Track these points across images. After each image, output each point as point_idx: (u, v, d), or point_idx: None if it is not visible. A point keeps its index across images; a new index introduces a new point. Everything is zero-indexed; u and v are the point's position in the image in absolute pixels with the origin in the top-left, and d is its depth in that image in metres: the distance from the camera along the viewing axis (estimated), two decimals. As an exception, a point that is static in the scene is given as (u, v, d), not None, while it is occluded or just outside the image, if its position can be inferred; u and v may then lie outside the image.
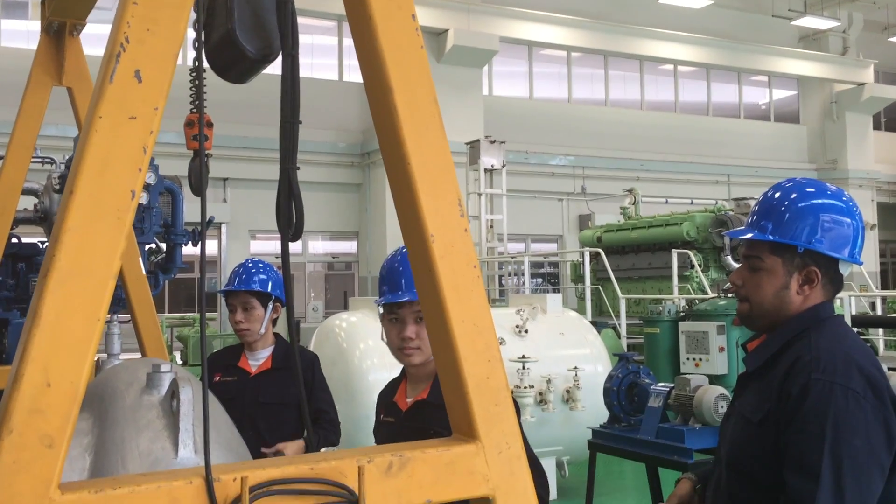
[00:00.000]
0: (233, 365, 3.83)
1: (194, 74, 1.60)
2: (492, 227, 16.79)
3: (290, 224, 1.73)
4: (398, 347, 2.49)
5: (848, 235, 2.00)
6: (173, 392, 1.74)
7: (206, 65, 1.66)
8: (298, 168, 1.78)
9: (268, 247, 18.89)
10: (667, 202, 17.62)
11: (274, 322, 3.90)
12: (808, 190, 2.05)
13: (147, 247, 5.07)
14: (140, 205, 5.79)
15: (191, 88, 1.61)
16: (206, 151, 1.86)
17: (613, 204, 18.82)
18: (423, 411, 2.43)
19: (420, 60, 1.55)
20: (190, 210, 5.42)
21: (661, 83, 23.98)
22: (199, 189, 1.71)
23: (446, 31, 18.22)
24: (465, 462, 1.51)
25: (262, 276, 3.79)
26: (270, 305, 3.81)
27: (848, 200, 2.05)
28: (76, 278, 1.25)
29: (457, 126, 17.89)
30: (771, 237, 2.01)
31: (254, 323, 3.76)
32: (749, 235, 2.06)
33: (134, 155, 1.31)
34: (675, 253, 12.94)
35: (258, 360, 3.85)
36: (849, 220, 2.01)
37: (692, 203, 17.43)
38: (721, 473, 2.05)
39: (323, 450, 2.23)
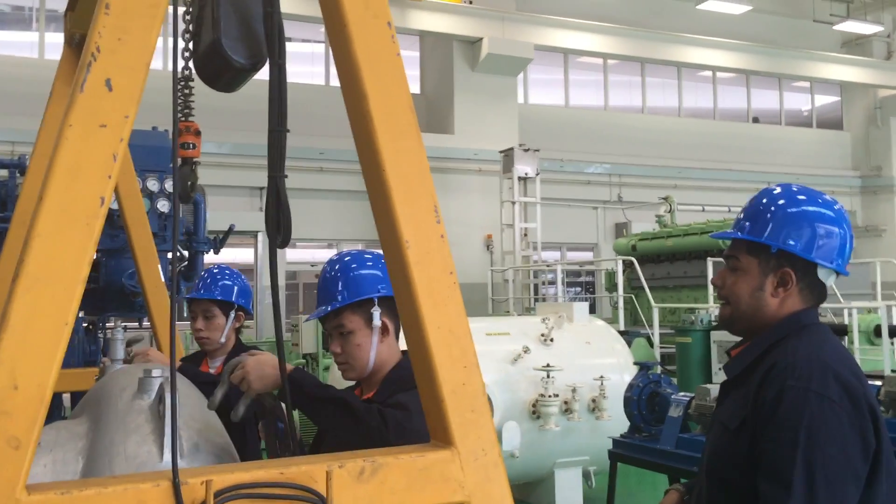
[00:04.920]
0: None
1: (181, 84, 1.63)
2: (526, 235, 16.74)
3: (278, 230, 1.76)
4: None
5: (834, 245, 1.97)
6: (160, 396, 1.77)
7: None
8: (286, 176, 1.80)
9: (305, 255, 19.05)
10: (703, 210, 17.39)
11: (238, 330, 3.71)
12: (798, 197, 2.03)
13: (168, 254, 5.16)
14: (162, 213, 5.89)
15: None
16: (195, 159, 1.90)
17: (650, 212, 18.62)
18: None
19: (396, 67, 1.56)
20: (213, 218, 5.49)
21: (700, 90, 23.71)
22: (185, 196, 1.75)
23: (481, 39, 18.23)
24: (439, 468, 1.51)
25: (227, 283, 3.62)
26: (232, 314, 3.64)
27: (839, 210, 2.03)
28: (45, 284, 1.27)
29: (491, 134, 17.87)
30: (746, 236, 2.01)
31: (213, 332, 3.60)
32: (731, 235, 2.06)
33: (104, 163, 1.34)
34: (710, 261, 12.76)
35: (216, 366, 3.70)
36: (836, 228, 1.98)
37: (729, 211, 17.18)
38: (702, 482, 2.03)
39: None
